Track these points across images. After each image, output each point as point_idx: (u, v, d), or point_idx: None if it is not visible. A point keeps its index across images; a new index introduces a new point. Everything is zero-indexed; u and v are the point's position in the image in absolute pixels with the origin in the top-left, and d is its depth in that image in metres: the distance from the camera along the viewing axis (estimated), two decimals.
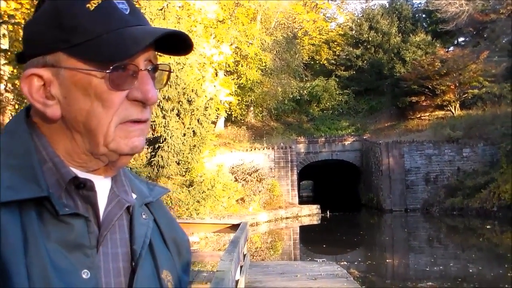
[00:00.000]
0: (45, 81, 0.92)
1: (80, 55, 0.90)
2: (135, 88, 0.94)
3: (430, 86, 34.47)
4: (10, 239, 0.83)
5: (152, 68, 0.98)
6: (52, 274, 0.84)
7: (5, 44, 9.81)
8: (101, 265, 0.94)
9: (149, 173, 19.72)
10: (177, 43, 0.98)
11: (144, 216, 1.05)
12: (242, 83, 34.94)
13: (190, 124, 20.79)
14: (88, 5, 0.91)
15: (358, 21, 47.59)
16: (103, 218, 0.96)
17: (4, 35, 9.72)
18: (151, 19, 19.51)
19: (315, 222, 29.33)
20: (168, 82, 1.04)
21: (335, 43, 48.23)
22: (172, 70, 1.04)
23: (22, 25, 9.85)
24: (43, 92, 0.92)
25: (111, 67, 0.91)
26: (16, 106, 11.00)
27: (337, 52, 47.62)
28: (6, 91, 10.30)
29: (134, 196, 1.05)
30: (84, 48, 0.90)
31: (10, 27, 9.63)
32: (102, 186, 0.98)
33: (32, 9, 9.35)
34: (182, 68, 19.99)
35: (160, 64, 1.00)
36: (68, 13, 0.91)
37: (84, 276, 0.89)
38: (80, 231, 0.91)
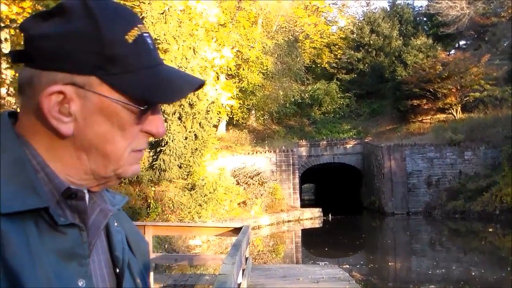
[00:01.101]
0: (66, 97, 0.90)
1: (116, 85, 0.91)
2: (148, 121, 0.97)
3: (431, 89, 34.45)
4: (17, 250, 0.82)
5: None
6: (55, 284, 0.85)
7: (6, 49, 9.83)
8: (92, 273, 0.95)
9: (151, 176, 19.74)
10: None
11: (116, 224, 1.07)
12: (243, 87, 34.96)
13: (191, 128, 20.82)
14: (126, 36, 0.92)
15: (359, 24, 47.59)
16: (89, 227, 0.97)
17: (6, 39, 9.74)
18: (152, 22, 19.54)
19: (317, 225, 29.31)
20: None
21: (337, 46, 48.23)
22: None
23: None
24: (57, 107, 0.91)
25: (145, 106, 0.94)
26: (18, 110, 11.02)
27: (338, 56, 47.62)
28: (8, 95, 10.33)
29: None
30: (121, 80, 0.91)
31: (12, 31, 9.65)
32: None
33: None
34: None
35: None
36: (110, 40, 0.90)
37: (80, 284, 0.90)
38: (75, 241, 0.91)
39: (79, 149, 0.93)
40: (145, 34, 0.96)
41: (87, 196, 0.98)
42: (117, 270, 1.02)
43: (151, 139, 1.08)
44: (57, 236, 0.89)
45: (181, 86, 0.95)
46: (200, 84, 0.99)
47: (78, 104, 0.91)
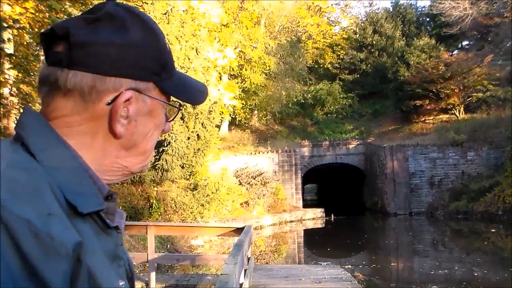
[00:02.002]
0: (127, 102, 0.96)
1: (164, 90, 1.01)
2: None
3: (434, 90, 34.43)
4: (95, 252, 0.84)
5: None
6: (115, 283, 0.88)
7: (9, 49, 9.84)
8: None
9: (153, 176, 19.75)
10: None
11: None
12: (246, 87, 34.98)
13: (194, 128, 20.83)
14: (166, 43, 1.02)
15: (362, 24, 47.61)
16: None
17: (9, 40, 9.76)
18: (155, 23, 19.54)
19: (319, 226, 29.29)
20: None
21: (339, 46, 48.26)
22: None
23: (27, 30, 9.91)
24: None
25: (179, 105, 1.08)
26: (21, 110, 11.02)
27: (341, 56, 47.64)
28: (11, 95, 10.33)
29: None
30: (167, 84, 1.01)
31: (15, 32, 9.67)
32: None
33: (38, 14, 9.39)
34: (186, 72, 19.99)
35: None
36: (164, 49, 1.01)
37: (121, 284, 0.92)
38: (116, 243, 0.94)
39: (122, 148, 0.99)
40: None
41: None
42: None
43: None
44: (105, 238, 0.91)
45: (204, 91, 1.09)
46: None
47: (135, 107, 0.97)
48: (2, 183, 0.77)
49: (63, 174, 0.86)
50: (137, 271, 12.68)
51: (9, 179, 0.79)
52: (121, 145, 0.97)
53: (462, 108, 35.30)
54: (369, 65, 44.77)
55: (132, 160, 1.00)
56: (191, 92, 1.05)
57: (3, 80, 9.15)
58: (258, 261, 17.64)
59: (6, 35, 9.40)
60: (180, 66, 19.59)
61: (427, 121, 36.90)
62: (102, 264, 0.86)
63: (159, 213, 19.27)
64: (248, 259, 9.26)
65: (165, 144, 19.62)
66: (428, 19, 48.24)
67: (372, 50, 45.07)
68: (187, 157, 20.63)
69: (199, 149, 21.20)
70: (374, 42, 44.88)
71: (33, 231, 0.74)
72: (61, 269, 0.76)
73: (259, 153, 31.57)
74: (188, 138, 20.54)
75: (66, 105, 0.94)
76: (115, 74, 0.94)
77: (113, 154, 0.97)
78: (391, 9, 49.06)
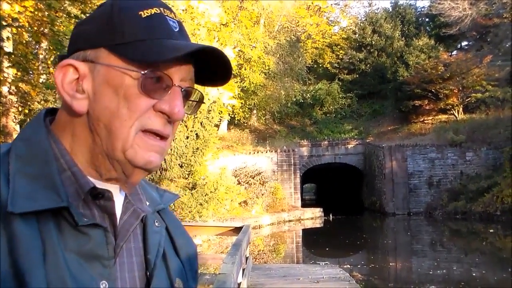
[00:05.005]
0: (80, 75, 0.93)
1: (120, 54, 0.91)
2: (164, 101, 0.93)
3: (433, 90, 34.45)
4: (28, 250, 0.82)
5: (186, 90, 0.98)
6: (70, 285, 0.84)
7: (8, 47, 9.84)
8: (118, 275, 0.94)
9: (152, 175, 19.74)
10: (217, 70, 1.00)
11: (156, 224, 1.05)
12: (245, 86, 34.96)
13: (193, 127, 20.82)
14: (140, 12, 0.94)
15: (362, 25, 47.61)
16: (119, 228, 0.96)
17: (8, 38, 9.76)
18: None
19: (318, 225, 29.29)
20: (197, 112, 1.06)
21: (338, 46, 48.24)
22: (204, 101, 1.04)
23: (26, 28, 9.90)
24: (74, 85, 0.93)
25: (146, 69, 0.91)
26: (20, 109, 11.03)
27: (340, 56, 47.63)
28: (10, 93, 10.33)
29: (147, 203, 1.05)
30: (125, 48, 0.91)
31: (14, 30, 9.67)
32: (117, 194, 0.98)
33: (37, 12, 9.39)
34: None
35: (195, 89, 1.00)
36: (120, 15, 0.93)
37: (102, 286, 0.89)
38: (98, 242, 0.91)
39: (93, 129, 0.93)
40: (168, 17, 0.96)
41: (121, 196, 0.99)
42: (148, 274, 1.00)
43: None
44: (79, 237, 0.89)
45: (184, 46, 0.92)
46: (205, 48, 0.93)
47: (90, 79, 0.93)
48: None
49: (23, 176, 0.88)
50: None
51: None
52: (89, 125, 0.93)
53: (461, 109, 35.33)
54: (368, 65, 44.77)
55: (105, 142, 0.92)
56: (158, 50, 0.91)
57: (2, 78, 9.15)
58: (257, 260, 17.64)
59: (5, 33, 9.39)
60: None
61: (426, 121, 36.93)
62: (57, 262, 0.84)
63: None
64: (246, 258, 9.26)
65: None
66: (427, 19, 48.26)
67: (371, 50, 45.08)
68: (186, 156, 20.62)
69: (198, 148, 21.20)
70: (373, 42, 44.89)
71: None
72: None
73: (258, 152, 31.57)
74: (187, 137, 20.54)
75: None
76: (73, 50, 0.95)
77: (89, 137, 0.93)
78: (390, 9, 49.09)
